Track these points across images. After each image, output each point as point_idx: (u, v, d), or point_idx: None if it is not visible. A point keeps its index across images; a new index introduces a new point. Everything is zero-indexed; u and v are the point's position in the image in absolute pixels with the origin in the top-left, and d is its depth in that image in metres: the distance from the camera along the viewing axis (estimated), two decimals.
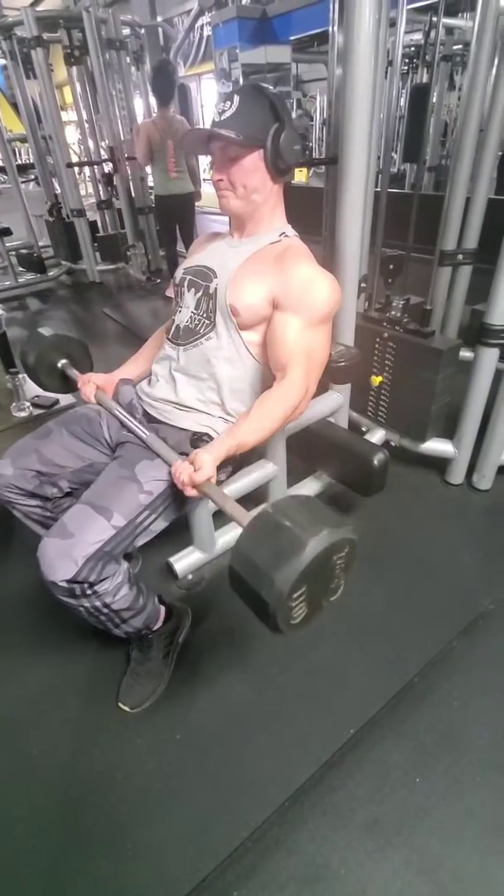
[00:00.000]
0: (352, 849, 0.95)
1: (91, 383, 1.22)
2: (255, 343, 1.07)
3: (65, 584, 0.92)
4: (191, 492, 0.91)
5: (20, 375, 1.96)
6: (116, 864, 0.94)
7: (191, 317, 1.10)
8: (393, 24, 2.03)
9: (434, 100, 4.24)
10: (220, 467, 1.16)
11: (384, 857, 0.94)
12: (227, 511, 0.85)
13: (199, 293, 1.09)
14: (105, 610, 1.00)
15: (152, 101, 3.98)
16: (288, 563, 0.66)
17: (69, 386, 1.34)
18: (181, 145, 3.55)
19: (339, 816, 0.99)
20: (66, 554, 0.92)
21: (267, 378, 1.11)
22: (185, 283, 1.13)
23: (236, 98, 0.97)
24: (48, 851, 0.97)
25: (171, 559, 1.49)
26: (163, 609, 1.24)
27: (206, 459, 0.91)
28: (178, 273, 1.17)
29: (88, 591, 0.94)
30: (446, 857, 0.93)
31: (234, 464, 1.25)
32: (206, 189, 4.66)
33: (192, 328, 1.10)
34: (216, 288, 1.06)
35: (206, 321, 1.08)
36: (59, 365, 1.32)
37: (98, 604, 0.97)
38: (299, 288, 0.99)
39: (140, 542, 1.05)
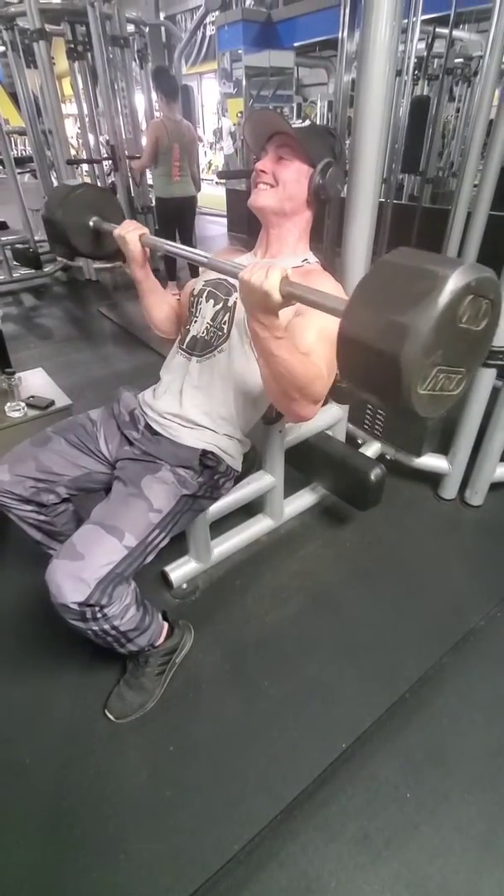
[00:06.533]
0: (343, 862, 0.96)
1: (136, 226, 1.11)
2: None
3: (76, 608, 0.91)
4: (276, 279, 0.75)
5: (16, 375, 1.95)
6: (109, 874, 0.95)
7: (206, 328, 1.11)
8: (403, 31, 2.06)
9: (434, 111, 4.30)
10: (222, 482, 1.17)
11: (374, 871, 0.95)
12: (320, 300, 0.73)
13: (218, 306, 1.10)
14: (113, 632, 1.00)
15: (154, 98, 3.98)
16: (463, 264, 0.55)
17: (104, 245, 1.22)
18: (186, 149, 3.55)
19: (331, 830, 1.00)
20: (76, 576, 0.91)
21: None
22: (205, 295, 1.14)
23: (308, 122, 1.03)
24: (40, 861, 0.97)
25: (167, 568, 1.49)
26: (166, 625, 1.24)
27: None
28: (198, 284, 1.18)
29: (98, 615, 0.94)
30: (434, 873, 0.95)
31: (235, 475, 1.26)
32: (205, 190, 4.67)
33: (207, 340, 1.11)
34: (235, 301, 1.07)
35: (221, 333, 1.09)
36: (91, 223, 1.20)
37: (107, 626, 0.97)
38: None
39: (149, 560, 1.05)
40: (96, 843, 0.99)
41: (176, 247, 1.03)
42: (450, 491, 1.84)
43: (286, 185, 1.02)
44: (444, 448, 1.81)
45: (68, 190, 1.18)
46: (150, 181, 3.91)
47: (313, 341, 0.98)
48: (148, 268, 1.20)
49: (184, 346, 1.16)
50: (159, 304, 1.28)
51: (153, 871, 0.95)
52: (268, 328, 0.82)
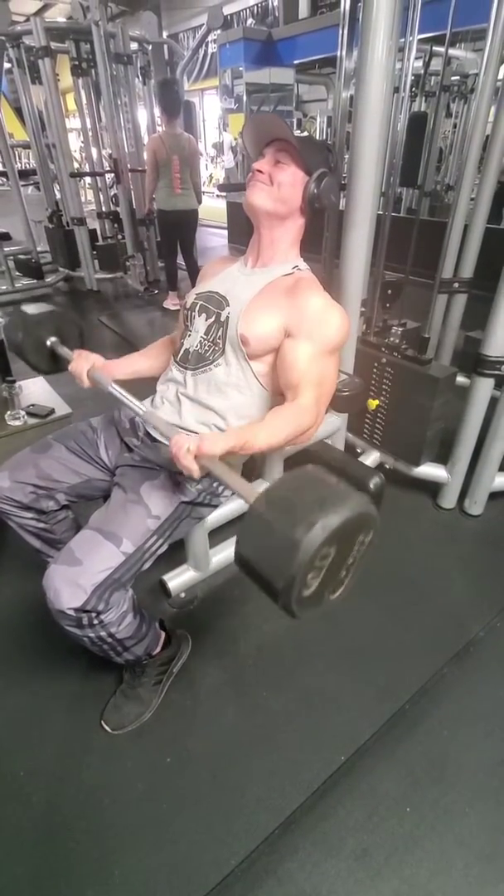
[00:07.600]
0: (342, 878, 0.94)
1: (85, 359, 1.15)
2: (263, 373, 1.08)
3: (72, 613, 0.90)
4: (190, 461, 0.83)
5: (16, 384, 1.96)
6: (103, 891, 0.93)
7: (200, 342, 1.11)
8: (400, 49, 2.09)
9: (431, 126, 4.38)
10: (221, 489, 1.17)
11: (374, 886, 0.93)
12: (232, 486, 0.79)
13: (211, 320, 1.10)
14: (109, 639, 0.99)
15: (157, 113, 4.04)
16: (335, 506, 0.62)
17: (59, 365, 1.27)
18: (186, 161, 3.61)
19: (330, 845, 0.99)
20: (73, 581, 0.91)
21: (274, 405, 1.11)
22: (197, 308, 1.14)
23: (306, 133, 1.03)
24: (33, 876, 0.95)
25: (165, 577, 1.48)
26: (163, 634, 1.23)
27: (216, 439, 0.85)
28: (190, 297, 1.17)
29: (95, 622, 0.93)
30: (435, 889, 0.93)
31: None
32: (206, 203, 4.73)
33: (201, 353, 1.10)
34: (228, 316, 1.07)
35: (216, 348, 1.08)
36: (49, 343, 1.24)
37: (103, 633, 0.96)
38: (312, 317, 1.00)
39: (146, 566, 1.05)
40: (90, 858, 0.97)
41: (117, 390, 1.05)
42: (449, 500, 1.83)
43: (281, 186, 1.03)
44: (443, 457, 1.81)
45: (28, 315, 1.22)
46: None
47: (307, 363, 0.99)
48: (110, 375, 1.16)
49: (177, 359, 1.16)
50: (147, 367, 1.28)
51: (149, 887, 0.93)
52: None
